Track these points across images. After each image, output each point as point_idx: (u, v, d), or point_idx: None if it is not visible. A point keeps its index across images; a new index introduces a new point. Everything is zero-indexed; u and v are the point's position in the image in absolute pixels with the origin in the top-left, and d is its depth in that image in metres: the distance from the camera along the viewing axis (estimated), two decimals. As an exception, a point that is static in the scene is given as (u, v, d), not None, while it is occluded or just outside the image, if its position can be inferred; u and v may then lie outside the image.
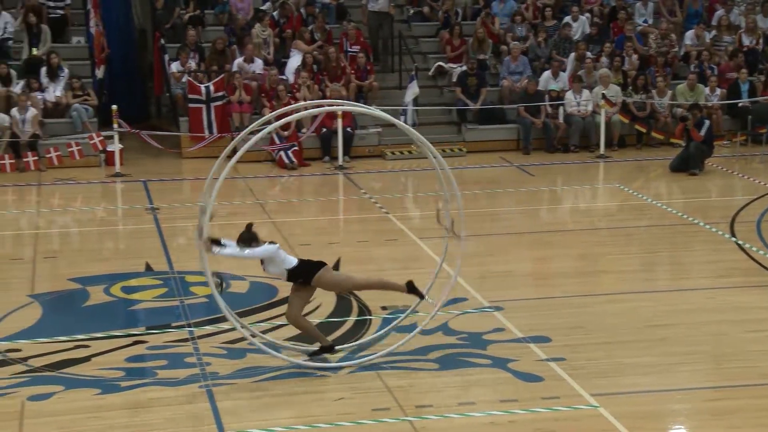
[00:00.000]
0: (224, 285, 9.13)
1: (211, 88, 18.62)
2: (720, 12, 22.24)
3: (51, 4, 20.13)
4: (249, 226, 8.89)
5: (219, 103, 18.62)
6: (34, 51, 19.02)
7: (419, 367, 8.94)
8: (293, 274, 8.85)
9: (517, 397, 8.31)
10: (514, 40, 20.62)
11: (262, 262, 8.86)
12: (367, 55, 19.99)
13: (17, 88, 18.12)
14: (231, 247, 8.66)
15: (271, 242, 8.86)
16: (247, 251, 8.65)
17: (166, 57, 19.61)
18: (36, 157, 17.24)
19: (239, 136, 9.92)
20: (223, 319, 10.07)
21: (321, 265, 8.92)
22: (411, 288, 9.04)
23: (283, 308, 10.39)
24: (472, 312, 10.39)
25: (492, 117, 19.65)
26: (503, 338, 9.63)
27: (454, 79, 20.09)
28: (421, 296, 9.09)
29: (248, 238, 8.78)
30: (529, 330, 9.77)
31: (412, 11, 22.27)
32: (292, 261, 8.86)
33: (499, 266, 12.11)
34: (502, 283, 11.46)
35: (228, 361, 9.06)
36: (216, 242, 8.70)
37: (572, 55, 20.39)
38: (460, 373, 8.81)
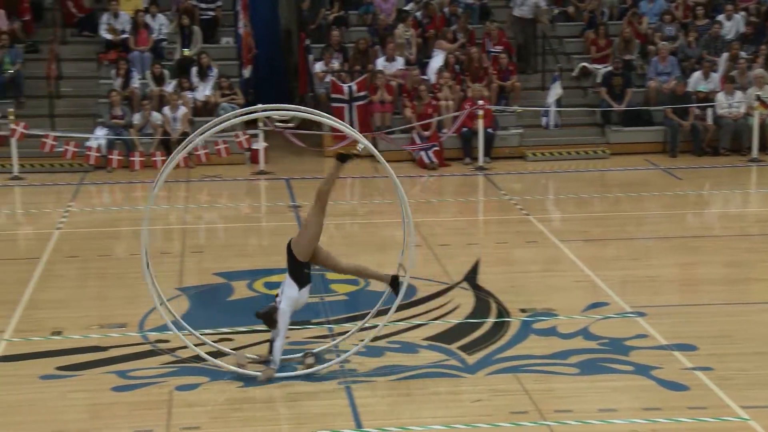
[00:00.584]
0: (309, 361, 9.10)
1: (354, 87, 18.83)
2: None
3: (203, 5, 20.75)
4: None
5: (361, 102, 18.81)
6: (186, 52, 19.64)
7: (559, 371, 8.81)
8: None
9: (660, 406, 8.09)
10: (663, 40, 20.10)
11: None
12: (509, 55, 19.84)
13: (169, 87, 18.75)
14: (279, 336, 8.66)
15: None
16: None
17: (311, 57, 19.94)
18: (186, 155, 17.77)
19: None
20: (362, 317, 10.17)
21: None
22: (393, 282, 8.87)
23: (423, 307, 10.48)
24: (613, 317, 10.17)
25: (637, 119, 19.21)
26: (646, 345, 9.39)
27: (599, 80, 19.74)
28: (396, 293, 8.88)
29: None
30: (673, 337, 9.50)
31: (556, 11, 21.98)
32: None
33: (642, 271, 11.81)
34: (645, 288, 11.18)
35: (367, 359, 9.12)
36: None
37: (725, 55, 19.74)
38: (601, 379, 8.64)
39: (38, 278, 11.52)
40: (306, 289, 8.79)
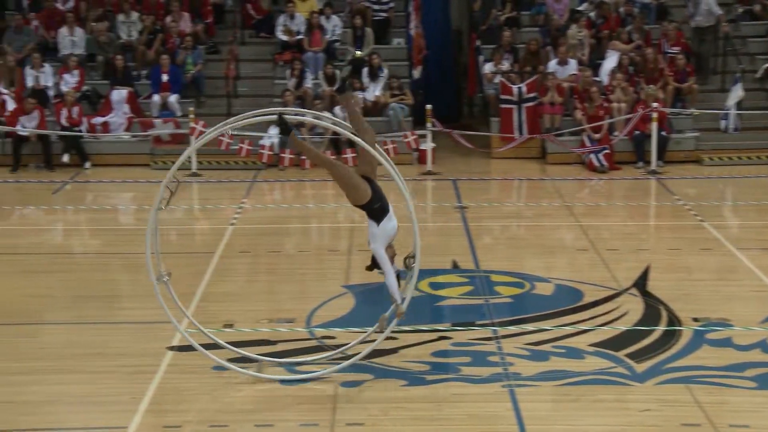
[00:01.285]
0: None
1: (524, 89, 18.65)
2: None
3: (376, 7, 21.01)
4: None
5: (530, 104, 18.60)
6: (358, 53, 19.93)
7: (734, 384, 8.44)
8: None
9: (844, 426, 7.65)
10: None
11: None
12: (687, 56, 19.18)
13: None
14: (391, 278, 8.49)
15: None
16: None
17: (481, 58, 19.87)
18: (354, 154, 18.02)
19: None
20: (527, 321, 10.06)
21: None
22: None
23: (589, 313, 10.26)
24: (795, 330, 9.69)
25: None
26: (831, 360, 8.90)
27: (784, 82, 18.88)
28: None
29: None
30: None
31: (741, 10, 21.11)
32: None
33: (827, 282, 11.20)
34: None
35: (531, 363, 9.00)
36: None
37: None
38: (780, 394, 8.24)
39: (212, 272, 11.92)
40: (386, 219, 8.59)
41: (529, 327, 9.91)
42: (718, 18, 19.71)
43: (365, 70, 19.32)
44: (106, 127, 18.60)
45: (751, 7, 20.99)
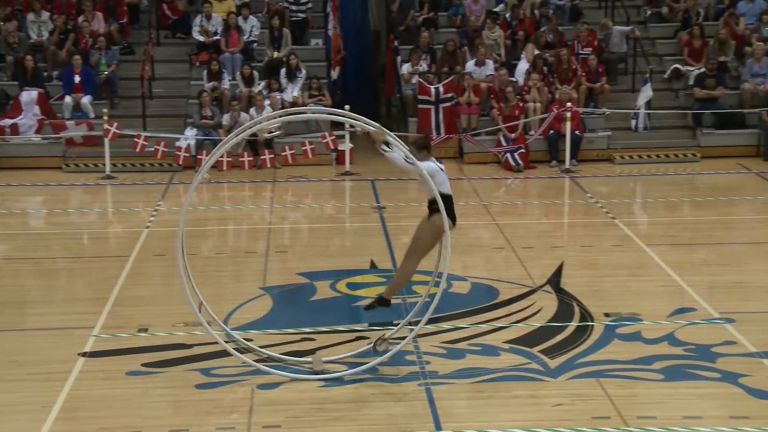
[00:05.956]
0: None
1: (441, 89, 18.80)
2: None
3: (293, 7, 20.97)
4: (426, 134, 9.01)
5: (447, 104, 18.77)
6: (275, 53, 19.87)
7: (642, 377, 8.65)
8: (435, 202, 8.46)
9: (749, 414, 7.89)
10: (760, 41, 19.59)
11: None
12: (599, 57, 19.56)
13: (259, 88, 18.99)
14: (397, 153, 8.43)
15: (438, 160, 8.66)
16: (410, 161, 8.38)
17: (399, 58, 19.98)
18: (272, 155, 18.00)
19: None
20: (444, 319, 10.17)
21: (453, 218, 8.59)
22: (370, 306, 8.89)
23: (504, 310, 10.40)
24: (700, 323, 9.95)
25: (730, 122, 18.76)
26: (734, 352, 9.16)
27: (691, 82, 19.33)
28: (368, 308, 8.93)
29: (422, 145, 8.67)
30: (763, 345, 9.26)
31: (649, 12, 21.61)
32: (447, 189, 8.55)
33: (731, 276, 11.54)
34: (734, 294, 10.92)
35: (447, 361, 9.09)
36: (386, 143, 8.58)
37: (826, 56, 19.18)
38: (686, 386, 8.46)
39: (126, 276, 11.78)
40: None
41: (446, 325, 10.01)
42: (630, 30, 20.12)
43: (283, 71, 19.27)
44: (15, 129, 18.21)
45: (659, 10, 21.51)
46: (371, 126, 8.62)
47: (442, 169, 8.60)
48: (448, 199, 8.55)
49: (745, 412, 7.94)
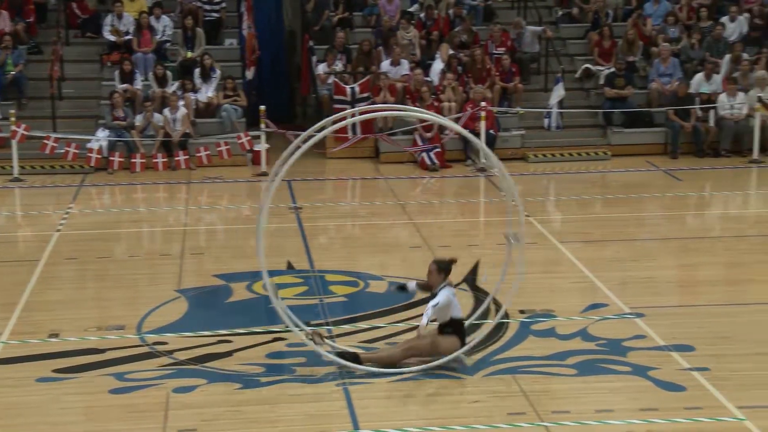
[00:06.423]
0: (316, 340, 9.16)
1: (357, 89, 18.83)
2: None
3: (207, 7, 20.76)
4: (453, 260, 9.11)
5: (363, 104, 18.78)
6: (189, 53, 19.65)
7: (557, 372, 8.80)
8: (448, 326, 8.88)
9: (657, 406, 8.07)
10: (666, 42, 20.07)
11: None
12: (512, 57, 19.81)
13: (172, 89, 18.77)
14: (427, 313, 8.64)
15: (448, 284, 8.93)
16: (435, 303, 8.70)
17: (314, 58, 19.95)
18: (186, 156, 17.80)
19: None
20: (361, 319, 10.19)
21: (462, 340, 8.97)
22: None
23: (422, 309, 10.44)
24: (612, 318, 10.15)
25: (639, 120, 19.18)
26: (644, 346, 9.37)
27: (602, 81, 19.71)
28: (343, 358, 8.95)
29: (446, 269, 8.96)
30: (671, 338, 9.49)
31: (560, 12, 21.97)
32: (459, 313, 8.97)
33: (641, 272, 11.80)
34: (644, 289, 11.16)
35: (364, 360, 9.11)
36: (402, 288, 9.32)
37: (727, 56, 19.72)
38: (599, 380, 8.63)
39: (36, 280, 11.53)
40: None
41: (363, 325, 10.04)
42: (542, 31, 20.43)
43: (197, 71, 19.08)
44: None
45: (570, 10, 21.88)
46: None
47: (454, 294, 8.93)
48: (459, 324, 8.95)
49: (654, 404, 8.12)
